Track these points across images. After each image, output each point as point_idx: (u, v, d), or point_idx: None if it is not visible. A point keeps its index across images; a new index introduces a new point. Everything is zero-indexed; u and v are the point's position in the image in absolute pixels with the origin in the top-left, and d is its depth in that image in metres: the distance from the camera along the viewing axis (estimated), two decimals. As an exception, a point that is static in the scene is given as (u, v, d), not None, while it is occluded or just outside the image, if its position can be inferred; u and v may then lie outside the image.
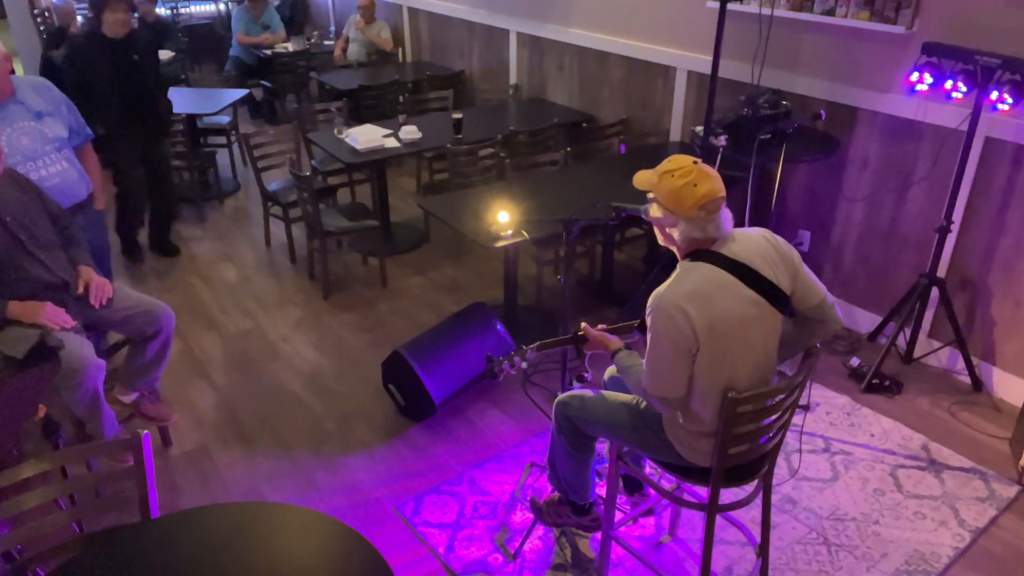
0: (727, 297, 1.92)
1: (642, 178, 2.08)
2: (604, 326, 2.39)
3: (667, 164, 2.01)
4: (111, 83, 4.18)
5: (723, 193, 1.95)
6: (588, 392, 2.38)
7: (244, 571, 1.71)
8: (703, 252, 1.97)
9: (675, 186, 1.94)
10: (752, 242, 2.00)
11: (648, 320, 1.95)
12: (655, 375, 1.98)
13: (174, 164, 5.56)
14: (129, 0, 4.12)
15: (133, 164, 4.54)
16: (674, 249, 2.07)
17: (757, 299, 1.95)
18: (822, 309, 2.07)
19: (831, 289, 2.23)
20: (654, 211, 2.03)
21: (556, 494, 2.59)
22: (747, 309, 1.94)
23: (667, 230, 2.02)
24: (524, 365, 2.45)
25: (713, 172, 1.97)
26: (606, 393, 2.38)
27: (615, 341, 2.30)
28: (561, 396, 2.41)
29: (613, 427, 2.27)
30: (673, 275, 1.96)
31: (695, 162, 1.98)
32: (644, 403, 2.24)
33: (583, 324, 2.40)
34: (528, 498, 2.79)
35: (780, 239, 2.06)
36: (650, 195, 2.05)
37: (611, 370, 2.53)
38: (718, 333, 1.90)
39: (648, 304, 1.95)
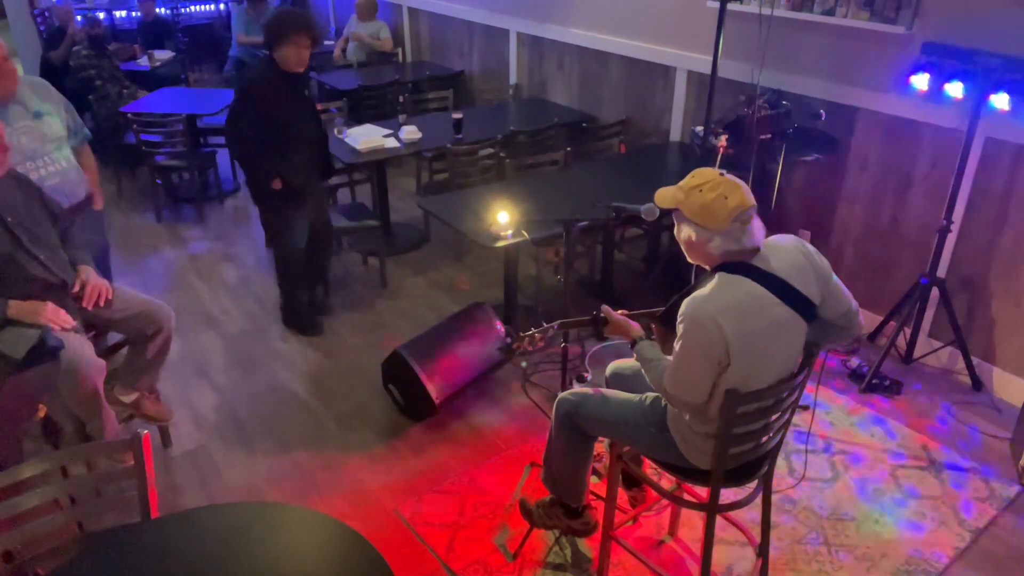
0: (763, 314, 1.90)
1: (665, 196, 2.02)
2: (625, 311, 2.33)
3: (693, 179, 1.96)
4: (297, 126, 3.61)
5: (753, 202, 1.92)
6: (589, 390, 2.38)
7: (244, 571, 1.71)
8: (740, 265, 1.93)
9: (705, 200, 1.90)
10: (787, 254, 1.98)
11: (680, 327, 1.91)
12: (680, 380, 1.96)
13: (173, 165, 5.58)
14: (314, 31, 3.51)
15: (306, 218, 3.84)
16: (705, 265, 2.01)
17: (790, 315, 1.93)
18: (848, 318, 2.07)
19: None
20: (685, 230, 1.98)
21: (548, 496, 2.59)
22: (780, 325, 1.93)
23: (701, 246, 1.96)
24: (542, 344, 2.40)
25: (740, 182, 1.94)
26: (608, 391, 2.37)
27: (636, 328, 2.25)
28: (563, 394, 2.40)
29: (615, 424, 2.26)
30: (711, 285, 1.91)
31: (721, 174, 1.94)
32: (648, 400, 2.24)
33: (603, 306, 2.33)
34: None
35: (811, 248, 2.03)
36: (676, 213, 2.00)
37: (613, 366, 2.52)
38: (749, 349, 1.89)
39: (683, 311, 1.91)
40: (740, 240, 1.92)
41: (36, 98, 3.06)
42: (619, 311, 2.33)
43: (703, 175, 1.96)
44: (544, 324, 2.40)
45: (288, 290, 4.06)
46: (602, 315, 2.32)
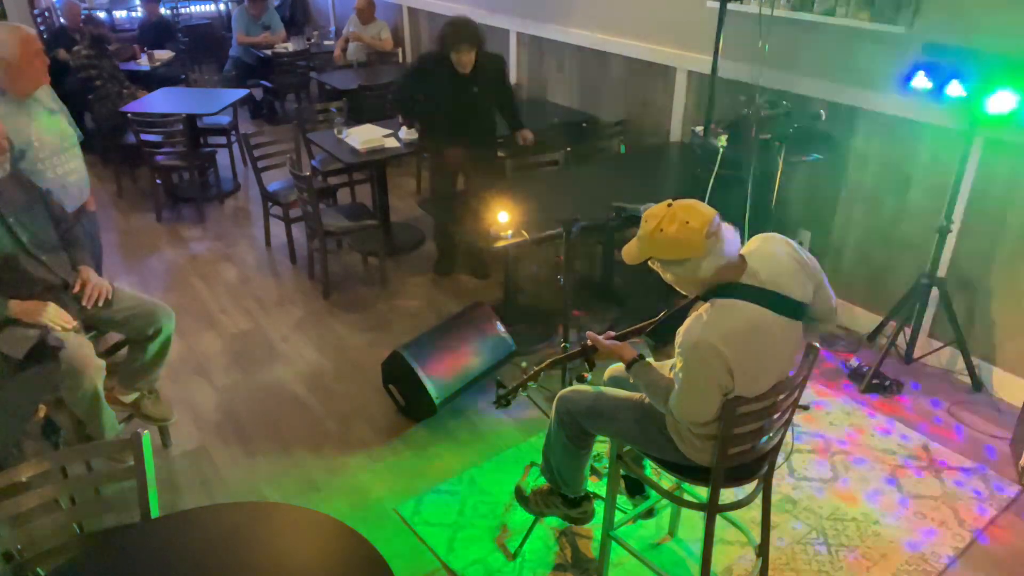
0: (762, 333, 1.90)
1: (632, 253, 2.00)
2: (612, 333, 2.33)
3: (647, 224, 1.93)
4: (447, 105, 4.16)
5: (714, 211, 1.90)
6: (589, 388, 2.37)
7: (244, 571, 1.71)
8: (732, 287, 1.91)
9: (671, 235, 1.88)
10: (777, 263, 1.97)
11: (681, 358, 1.91)
12: (687, 405, 1.96)
13: (173, 165, 5.58)
14: (478, 43, 3.98)
15: (449, 178, 4.43)
16: (700, 293, 1.99)
17: (788, 323, 1.94)
18: (829, 314, 2.10)
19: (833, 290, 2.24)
20: (668, 272, 1.96)
21: (546, 485, 2.59)
22: (779, 337, 1.94)
23: (690, 277, 1.93)
24: (534, 385, 2.43)
25: (690, 200, 1.93)
26: (607, 389, 2.37)
27: (629, 350, 2.22)
28: (563, 390, 2.40)
29: (615, 421, 2.26)
30: (707, 314, 1.89)
31: (668, 204, 1.93)
32: (648, 399, 2.23)
33: (589, 333, 2.32)
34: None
35: (800, 248, 2.03)
36: (651, 262, 1.98)
37: (610, 371, 2.52)
38: (752, 366, 1.90)
39: (682, 342, 1.90)
40: (723, 252, 1.89)
41: (47, 97, 3.11)
42: (604, 333, 2.32)
43: (653, 215, 1.93)
44: (533, 368, 2.41)
45: (435, 232, 4.69)
46: (591, 344, 2.31)
